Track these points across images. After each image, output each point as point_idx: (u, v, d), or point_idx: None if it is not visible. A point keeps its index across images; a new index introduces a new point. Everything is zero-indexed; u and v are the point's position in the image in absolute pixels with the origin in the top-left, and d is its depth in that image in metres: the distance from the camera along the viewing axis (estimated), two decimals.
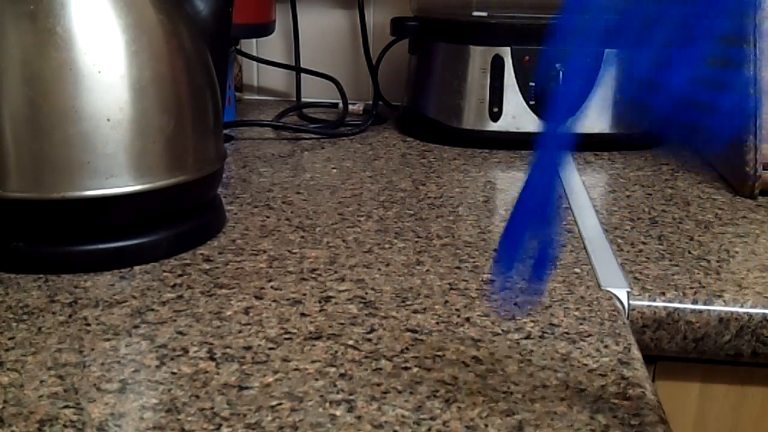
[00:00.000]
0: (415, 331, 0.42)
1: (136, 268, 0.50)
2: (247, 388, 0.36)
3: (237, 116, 0.99)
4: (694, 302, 0.48)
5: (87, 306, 0.45)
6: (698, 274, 0.51)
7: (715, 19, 0.28)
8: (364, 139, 0.90)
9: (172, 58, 0.51)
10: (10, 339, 0.41)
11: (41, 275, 0.49)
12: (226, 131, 0.87)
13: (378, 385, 0.37)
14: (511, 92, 0.83)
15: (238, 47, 1.02)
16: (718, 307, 0.48)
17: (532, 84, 0.82)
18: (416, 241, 0.56)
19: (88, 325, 0.42)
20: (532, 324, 0.43)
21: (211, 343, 0.41)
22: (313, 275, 0.50)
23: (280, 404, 0.35)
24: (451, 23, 0.89)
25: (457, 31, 0.87)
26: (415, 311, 0.45)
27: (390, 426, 0.33)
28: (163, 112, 0.50)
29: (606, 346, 0.41)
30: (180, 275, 0.49)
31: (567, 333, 0.42)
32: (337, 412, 0.34)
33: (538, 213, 0.32)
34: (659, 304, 0.48)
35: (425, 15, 0.93)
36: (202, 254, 0.53)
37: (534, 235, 0.32)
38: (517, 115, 0.83)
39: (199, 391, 0.36)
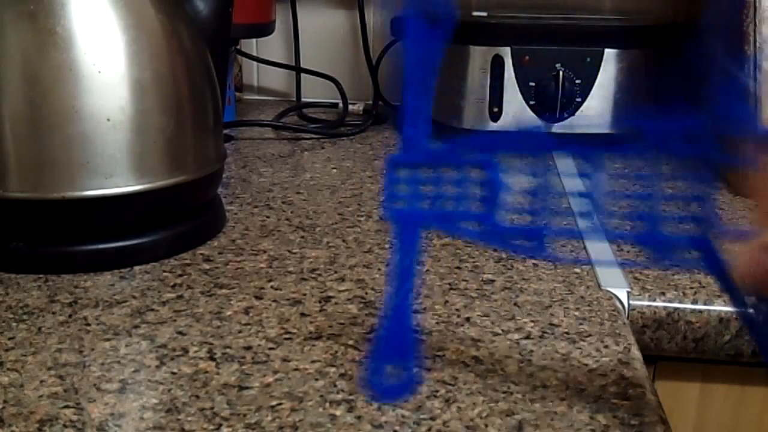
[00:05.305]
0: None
1: (136, 268, 0.50)
2: (247, 388, 0.36)
3: (237, 116, 0.99)
4: (694, 302, 0.48)
5: (87, 306, 0.45)
6: (698, 273, 0.51)
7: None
8: (364, 139, 0.90)
9: (172, 58, 0.51)
10: (10, 339, 0.41)
11: (41, 275, 0.49)
12: (226, 131, 0.87)
13: None
14: (511, 92, 0.83)
15: (238, 47, 1.02)
16: (718, 307, 0.48)
17: (532, 84, 0.82)
18: None
19: (88, 325, 0.42)
20: (532, 324, 0.43)
21: (211, 343, 0.41)
22: (313, 275, 0.50)
23: (280, 404, 0.35)
24: None
25: (457, 31, 0.87)
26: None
27: (390, 426, 0.33)
28: (163, 112, 0.50)
29: (606, 346, 0.41)
30: (180, 275, 0.49)
31: (567, 333, 0.42)
32: (337, 412, 0.34)
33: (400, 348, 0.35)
34: (659, 304, 0.48)
35: None
36: (202, 254, 0.53)
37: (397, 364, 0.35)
38: (517, 115, 0.83)
39: (199, 391, 0.36)
